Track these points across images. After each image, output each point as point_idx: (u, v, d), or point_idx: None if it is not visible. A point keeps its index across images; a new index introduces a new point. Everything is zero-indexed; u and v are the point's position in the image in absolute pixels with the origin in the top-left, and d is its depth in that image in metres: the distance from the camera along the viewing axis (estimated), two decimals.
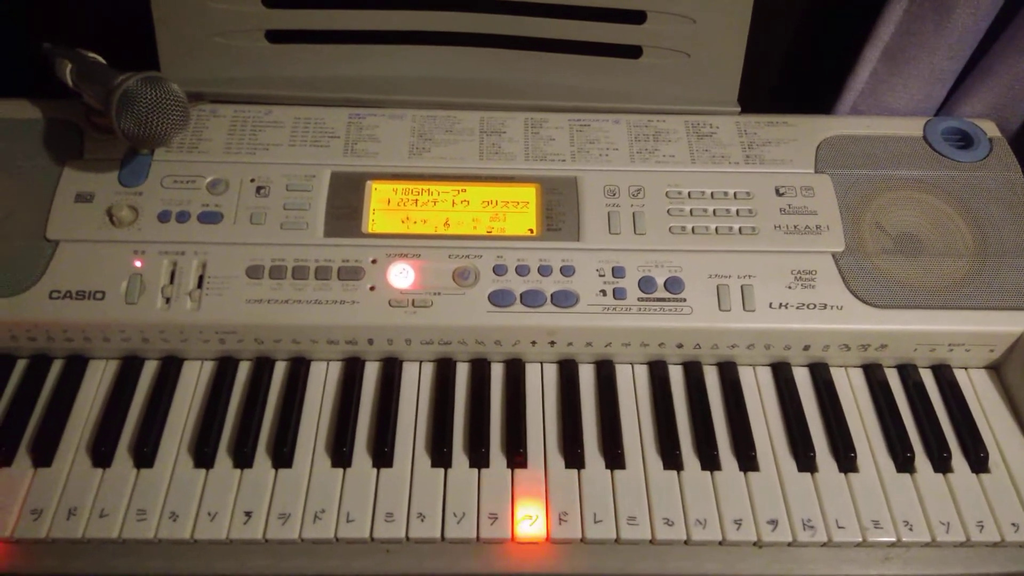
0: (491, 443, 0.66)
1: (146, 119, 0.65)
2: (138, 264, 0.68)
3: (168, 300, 0.67)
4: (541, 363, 0.71)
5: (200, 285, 0.67)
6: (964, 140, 0.79)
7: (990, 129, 0.80)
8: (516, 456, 0.65)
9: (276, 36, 0.78)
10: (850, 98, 0.83)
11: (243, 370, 0.70)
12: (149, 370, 0.69)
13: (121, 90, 0.64)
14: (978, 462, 0.66)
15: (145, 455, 0.64)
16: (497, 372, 0.71)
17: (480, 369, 0.70)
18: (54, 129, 0.75)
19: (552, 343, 0.69)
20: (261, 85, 0.78)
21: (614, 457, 0.65)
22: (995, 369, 0.73)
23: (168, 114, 0.65)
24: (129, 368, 0.69)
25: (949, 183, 0.76)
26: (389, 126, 0.77)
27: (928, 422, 0.68)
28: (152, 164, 0.73)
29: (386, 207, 0.72)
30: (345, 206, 0.72)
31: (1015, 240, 0.73)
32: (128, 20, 0.77)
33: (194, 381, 0.69)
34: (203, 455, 0.64)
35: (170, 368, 0.69)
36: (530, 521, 0.62)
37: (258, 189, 0.72)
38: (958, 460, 0.67)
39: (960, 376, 0.72)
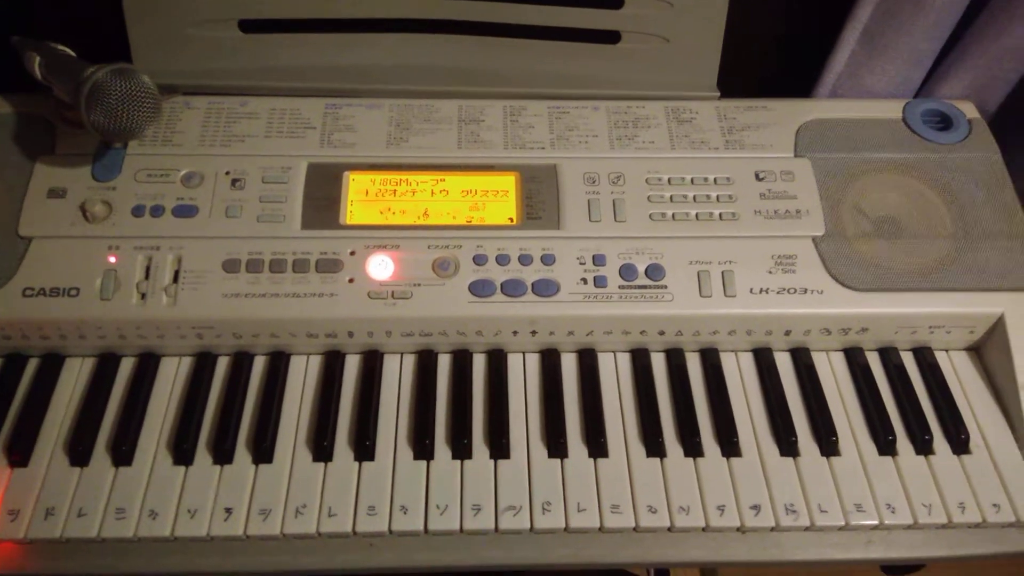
0: (474, 434, 0.65)
1: (116, 112, 0.64)
2: (112, 260, 0.67)
3: (143, 296, 0.66)
4: (523, 353, 0.71)
5: (176, 280, 0.67)
6: (943, 122, 0.79)
7: (969, 110, 0.80)
8: (499, 447, 0.64)
9: (249, 26, 0.76)
10: (829, 81, 0.83)
11: (222, 365, 0.69)
12: (126, 367, 0.69)
13: (90, 82, 0.63)
14: (959, 444, 0.66)
15: (123, 453, 0.63)
16: (479, 363, 0.70)
17: (462, 360, 0.70)
18: (25, 124, 0.73)
19: (534, 332, 0.69)
20: (235, 76, 0.77)
21: (597, 446, 0.65)
22: (976, 351, 0.73)
23: (139, 106, 0.64)
24: (106, 365, 0.68)
25: (929, 165, 0.76)
26: (366, 116, 0.76)
27: (909, 405, 0.68)
28: (125, 158, 0.72)
29: (364, 198, 0.72)
30: (322, 198, 0.71)
31: (994, 221, 0.73)
32: (99, 12, 0.76)
33: (172, 377, 0.68)
34: (182, 452, 0.63)
35: (147, 365, 0.68)
36: (513, 512, 0.61)
37: (233, 182, 0.71)
38: (940, 442, 0.67)
39: (941, 358, 0.72)
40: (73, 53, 0.71)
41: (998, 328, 0.70)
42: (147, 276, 0.67)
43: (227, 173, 0.71)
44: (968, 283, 0.70)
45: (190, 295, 0.66)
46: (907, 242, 0.72)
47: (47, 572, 0.60)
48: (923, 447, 0.66)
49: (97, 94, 0.63)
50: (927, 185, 0.75)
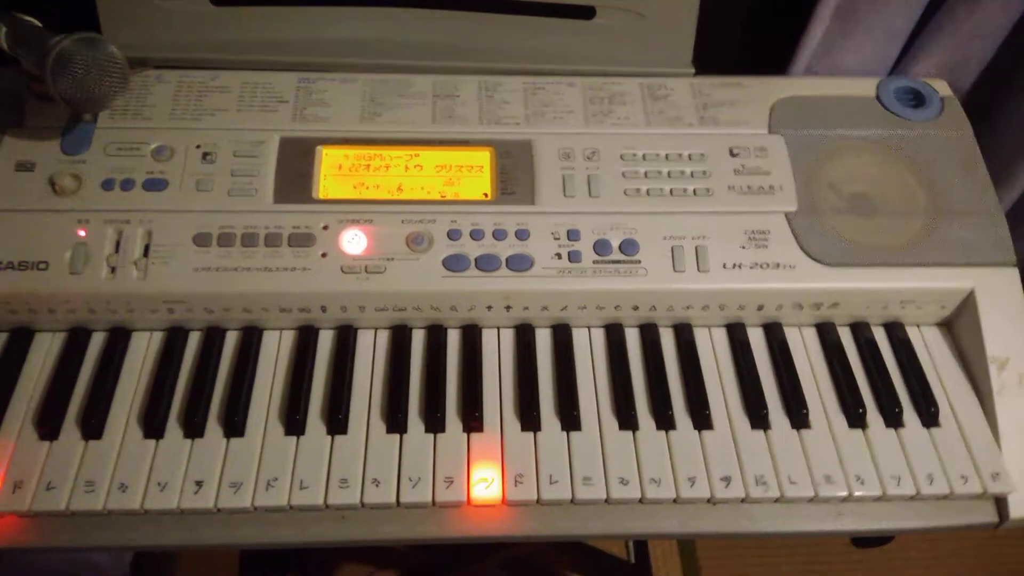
0: (447, 408, 0.65)
1: (83, 81, 0.63)
2: (82, 233, 0.66)
3: (113, 269, 0.65)
4: (498, 328, 0.71)
5: (146, 254, 0.66)
6: (916, 99, 0.79)
7: (942, 88, 0.80)
8: (472, 420, 0.64)
9: None
10: (804, 59, 0.83)
11: (193, 340, 0.69)
12: (97, 342, 0.68)
13: (56, 51, 0.62)
14: (929, 417, 0.67)
15: (93, 427, 0.62)
16: (453, 338, 0.70)
17: (436, 335, 0.70)
18: None
19: (508, 308, 0.69)
20: (206, 49, 0.76)
21: (570, 419, 0.65)
22: (947, 326, 0.74)
23: (106, 75, 0.64)
24: (76, 340, 0.67)
25: (901, 142, 0.76)
26: (340, 90, 0.75)
27: (880, 378, 0.69)
28: (95, 132, 0.71)
29: (337, 172, 0.71)
30: (295, 172, 0.70)
31: (965, 198, 0.73)
32: None
33: (143, 352, 0.67)
34: (153, 425, 0.63)
35: (118, 339, 0.68)
36: (485, 484, 0.62)
37: (204, 155, 0.70)
38: (909, 415, 0.67)
39: (912, 333, 0.73)
40: (40, 24, 0.70)
41: (968, 303, 0.71)
42: (117, 250, 0.66)
43: (198, 147, 0.71)
44: (939, 259, 0.71)
45: (161, 269, 0.66)
46: (879, 218, 0.72)
47: (14, 545, 0.60)
48: (893, 420, 0.67)
49: (63, 63, 0.62)
50: (900, 162, 0.75)
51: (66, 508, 0.59)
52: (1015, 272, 0.71)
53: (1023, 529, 0.66)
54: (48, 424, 0.62)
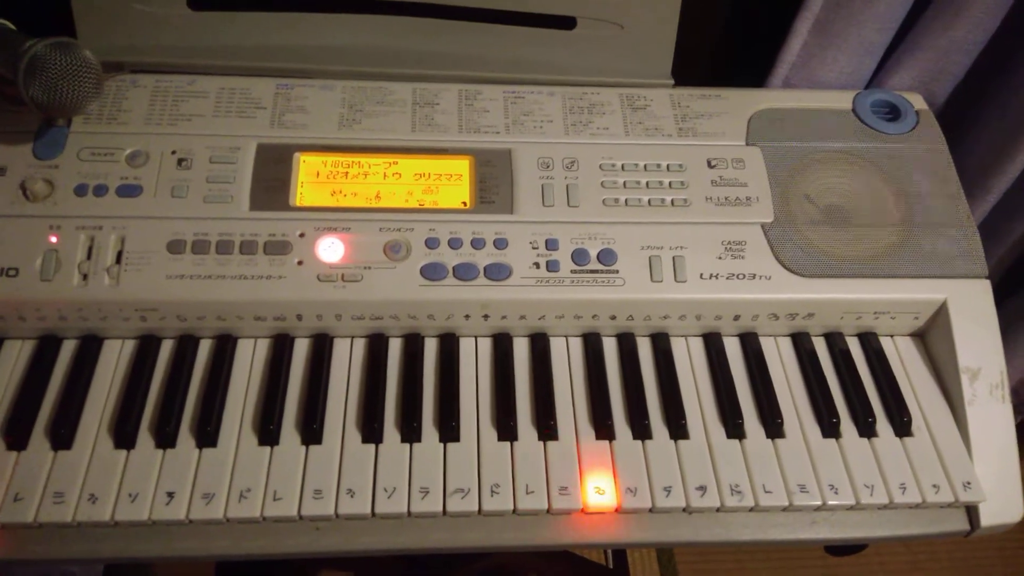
0: (423, 417, 0.65)
1: (56, 86, 0.62)
2: (53, 239, 0.65)
3: (85, 276, 0.65)
4: (475, 337, 0.71)
5: (119, 261, 0.65)
6: (892, 112, 0.80)
7: (917, 102, 0.81)
8: (449, 430, 0.64)
9: (199, 3, 0.75)
10: (782, 71, 0.83)
11: (166, 349, 0.68)
12: (67, 350, 0.67)
13: (29, 56, 0.61)
14: (902, 427, 0.68)
15: (62, 436, 0.61)
16: (431, 347, 0.70)
17: (413, 344, 0.69)
18: None
19: (486, 317, 0.69)
20: (183, 54, 0.75)
21: (547, 429, 0.65)
22: (920, 336, 0.75)
23: (79, 81, 0.63)
24: (46, 348, 0.66)
25: (877, 155, 0.77)
26: (318, 97, 0.75)
27: (854, 388, 0.69)
28: (69, 136, 0.70)
29: (315, 180, 0.71)
30: (272, 179, 0.70)
31: (939, 210, 0.74)
32: None
33: (114, 360, 0.67)
34: (123, 435, 0.62)
35: (89, 347, 0.67)
36: (462, 495, 0.61)
37: (180, 161, 0.69)
38: (882, 425, 0.68)
39: (886, 343, 0.74)
40: (13, 27, 0.69)
41: (941, 314, 0.72)
42: (89, 256, 0.65)
43: (173, 152, 0.70)
44: (912, 270, 0.72)
45: (133, 276, 0.65)
46: (854, 229, 0.73)
47: None
48: (866, 430, 0.67)
49: (36, 68, 0.61)
50: (875, 174, 0.76)
51: (34, 520, 0.58)
52: (987, 284, 0.72)
53: (995, 537, 0.67)
54: (16, 433, 0.61)
